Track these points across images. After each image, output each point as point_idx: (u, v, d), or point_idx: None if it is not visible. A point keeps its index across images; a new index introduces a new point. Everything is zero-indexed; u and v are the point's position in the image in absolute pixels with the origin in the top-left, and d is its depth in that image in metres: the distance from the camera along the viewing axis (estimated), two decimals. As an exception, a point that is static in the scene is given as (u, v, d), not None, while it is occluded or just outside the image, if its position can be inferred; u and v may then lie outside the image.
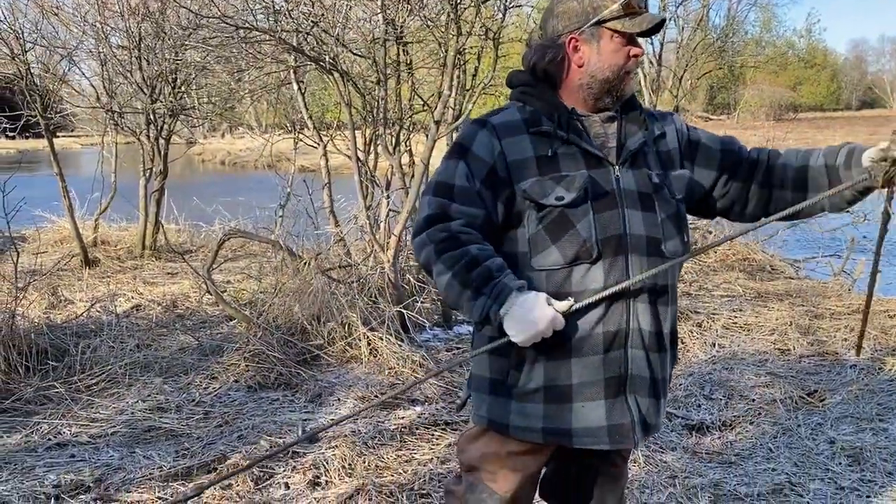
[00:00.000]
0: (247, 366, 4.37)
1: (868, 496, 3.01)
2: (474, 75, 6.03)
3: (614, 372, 1.74)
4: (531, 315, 1.62)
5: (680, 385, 4.23)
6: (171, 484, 3.13)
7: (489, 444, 1.88)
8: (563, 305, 1.67)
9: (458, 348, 5.00)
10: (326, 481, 3.18)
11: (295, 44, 5.07)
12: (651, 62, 8.08)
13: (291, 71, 5.65)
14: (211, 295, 5.08)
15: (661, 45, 7.63)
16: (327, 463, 3.28)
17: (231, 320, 5.20)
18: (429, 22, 5.32)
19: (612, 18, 1.74)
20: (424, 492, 3.09)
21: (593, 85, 1.78)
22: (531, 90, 1.83)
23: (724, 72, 25.36)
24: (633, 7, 1.75)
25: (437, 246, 1.69)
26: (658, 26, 1.80)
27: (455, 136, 6.53)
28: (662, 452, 3.41)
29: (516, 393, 1.79)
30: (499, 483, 1.88)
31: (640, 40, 1.83)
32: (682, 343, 4.90)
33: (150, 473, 3.20)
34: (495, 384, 1.82)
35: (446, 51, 4.96)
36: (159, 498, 2.99)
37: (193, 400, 4.06)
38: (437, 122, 4.85)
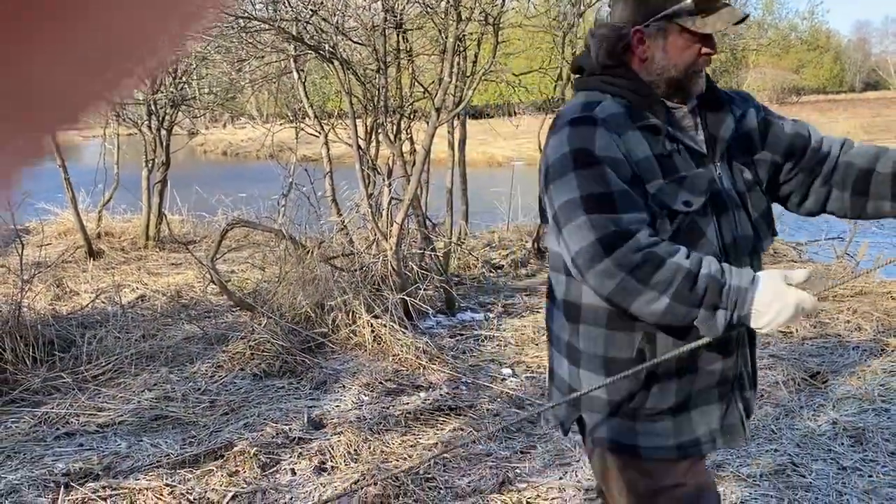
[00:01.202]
0: (252, 354, 4.40)
1: (870, 476, 3.03)
2: (475, 62, 6.03)
3: (728, 374, 1.68)
4: (776, 304, 1.48)
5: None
6: (178, 471, 3.16)
7: (632, 476, 1.71)
8: (800, 275, 1.52)
9: (461, 335, 5.03)
10: (332, 467, 3.21)
11: (294, 33, 5.07)
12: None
13: (291, 60, 5.65)
14: (215, 285, 5.11)
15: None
16: (333, 449, 3.31)
17: (235, 309, 5.23)
18: (428, 8, 5.31)
19: (682, 14, 1.57)
20: (430, 476, 3.12)
21: (659, 83, 1.63)
22: (618, 80, 1.63)
23: (727, 55, 25.24)
24: (708, 2, 1.57)
25: (636, 272, 1.47)
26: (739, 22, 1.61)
27: (456, 124, 6.55)
28: (665, 435, 3.43)
29: (643, 414, 1.65)
30: (687, 487, 1.71)
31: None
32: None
33: (157, 461, 3.23)
34: (616, 406, 1.66)
35: (446, 37, 4.95)
36: (167, 485, 3.03)
37: (199, 388, 4.09)
38: (438, 110, 4.86)
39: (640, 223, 1.51)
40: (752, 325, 1.50)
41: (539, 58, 7.86)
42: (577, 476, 3.11)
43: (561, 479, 3.09)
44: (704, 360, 1.63)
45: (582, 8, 6.91)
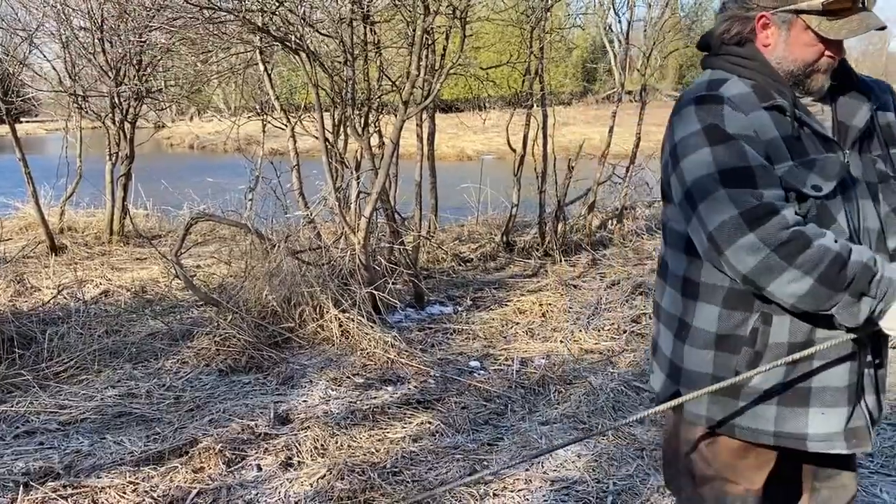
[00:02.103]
0: (217, 350, 4.36)
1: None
2: (443, 55, 6.02)
3: (854, 376, 1.61)
4: None
5: (648, 359, 4.30)
6: (142, 469, 3.12)
7: (718, 448, 1.73)
8: None
9: (430, 328, 5.02)
10: (299, 462, 3.19)
11: (260, 24, 5.00)
12: (619, 41, 8.11)
13: (257, 52, 5.58)
14: (180, 280, 5.04)
15: (629, 23, 7.65)
16: (299, 444, 3.29)
17: (201, 305, 5.16)
18: (396, 1, 5.28)
19: (810, 12, 1.51)
20: (397, 469, 3.12)
21: (778, 71, 1.58)
22: (746, 61, 1.60)
23: (693, 50, 25.49)
24: (843, 4, 1.48)
25: (781, 249, 1.43)
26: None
27: (425, 117, 6.53)
28: (631, 425, 3.47)
29: (745, 392, 1.63)
30: (744, 485, 1.74)
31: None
32: (651, 319, 4.97)
33: (120, 459, 3.18)
34: (719, 382, 1.63)
35: (414, 30, 4.93)
36: (130, 483, 2.98)
37: (164, 385, 4.04)
38: (406, 103, 4.84)
39: (782, 200, 1.48)
40: (883, 324, 1.46)
41: (508, 52, 7.87)
42: (543, 468, 3.13)
43: (527, 470, 3.11)
44: (824, 353, 1.59)
45: (549, 2, 6.93)
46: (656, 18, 8.11)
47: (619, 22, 8.67)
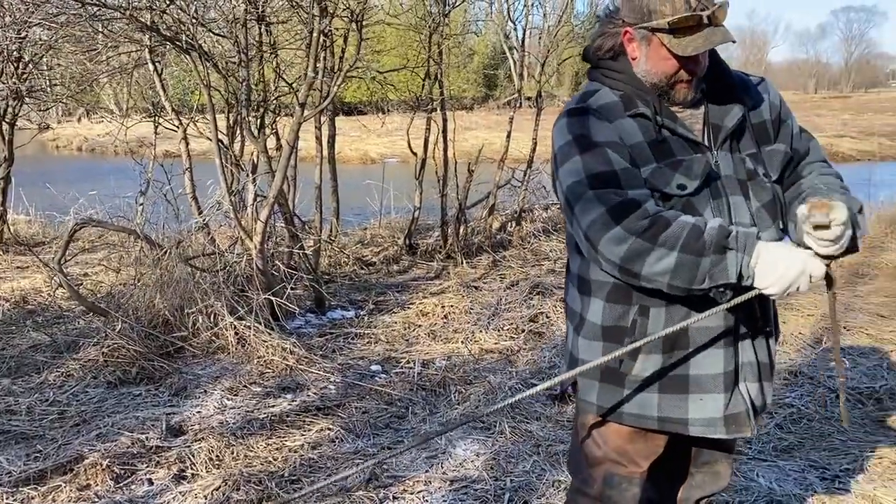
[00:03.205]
0: (105, 361, 4.17)
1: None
2: (342, 57, 5.98)
3: (730, 364, 1.70)
4: (785, 259, 1.49)
5: (544, 357, 4.41)
6: (21, 489, 2.94)
7: (607, 434, 1.83)
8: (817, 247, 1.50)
9: (331, 334, 4.97)
10: (193, 474, 3.09)
11: (149, 22, 4.83)
12: (515, 48, 8.28)
13: (147, 51, 5.37)
14: (64, 289, 4.79)
15: (524, 30, 7.83)
16: (193, 456, 3.19)
17: (88, 314, 4.92)
18: (293, 2, 5.21)
19: (661, 30, 1.60)
20: (295, 477, 3.07)
21: (645, 83, 1.69)
22: (615, 73, 1.72)
23: (589, 58, 26.24)
24: (687, 22, 1.57)
25: (644, 234, 1.53)
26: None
27: (324, 120, 6.45)
28: (527, 422, 3.55)
29: (630, 381, 1.73)
30: (631, 467, 1.84)
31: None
32: (547, 318, 5.11)
33: (-4, 480, 3.00)
34: (607, 371, 1.76)
35: (311, 32, 4.87)
36: (7, 505, 2.81)
37: (47, 400, 3.83)
38: (302, 105, 4.77)
39: (645, 196, 1.59)
40: (759, 283, 1.51)
41: (409, 56, 7.90)
42: (442, 468, 3.15)
43: (427, 471, 3.12)
44: (699, 342, 1.69)
45: (447, 8, 7.00)
46: (552, 27, 8.34)
47: (515, 30, 8.86)
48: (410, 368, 4.31)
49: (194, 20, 4.80)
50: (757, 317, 1.73)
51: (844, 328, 4.92)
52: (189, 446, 3.29)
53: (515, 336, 4.85)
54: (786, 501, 2.87)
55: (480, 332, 4.89)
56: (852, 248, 1.53)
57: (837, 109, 35.81)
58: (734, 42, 1.63)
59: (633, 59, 1.69)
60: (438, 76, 7.08)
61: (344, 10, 5.06)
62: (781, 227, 1.73)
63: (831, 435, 3.42)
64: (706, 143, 1.69)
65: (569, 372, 1.76)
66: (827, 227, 1.45)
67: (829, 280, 1.55)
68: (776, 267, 1.49)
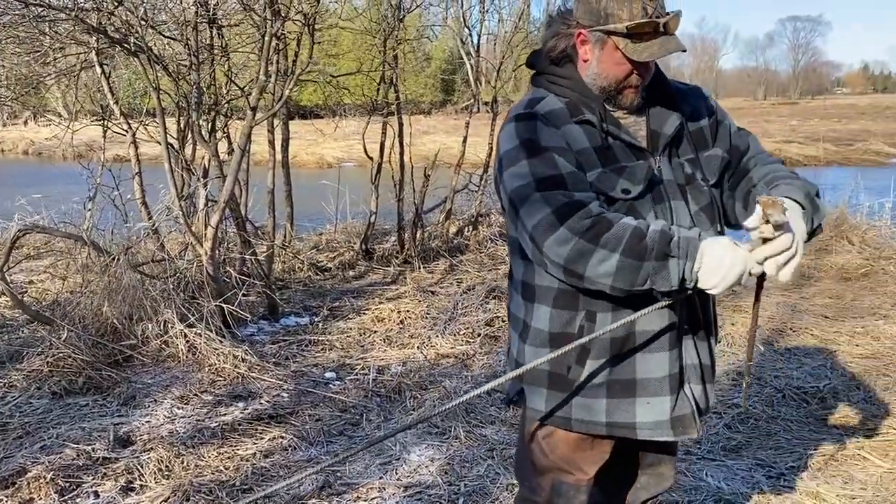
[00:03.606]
0: (50, 371, 4.05)
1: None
2: (295, 61, 5.93)
3: (675, 366, 1.73)
4: (727, 259, 1.50)
5: (500, 361, 4.43)
6: (-42, 506, 2.84)
7: (555, 441, 1.84)
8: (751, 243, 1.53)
9: (284, 340, 4.92)
10: (141, 485, 3.02)
11: (96, 24, 4.72)
12: (471, 54, 8.32)
13: (94, 53, 5.25)
14: (7, 297, 4.65)
15: (479, 36, 7.88)
16: (142, 467, 3.12)
17: (32, 323, 4.78)
18: (245, 5, 5.15)
19: (617, 34, 1.62)
20: (247, 486, 3.03)
21: (593, 87, 1.71)
22: (561, 80, 1.73)
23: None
24: (644, 28, 1.59)
25: (586, 234, 1.54)
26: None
27: (278, 123, 6.38)
28: (482, 426, 3.56)
29: (577, 387, 1.74)
30: (578, 475, 1.85)
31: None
32: (503, 322, 5.12)
33: (-68, 496, 2.89)
34: (554, 378, 1.76)
35: (263, 35, 4.82)
36: (-57, 522, 2.71)
37: (-13, 412, 3.70)
38: (254, 109, 4.72)
39: (590, 198, 1.60)
40: (703, 285, 1.52)
41: (363, 60, 7.86)
42: (396, 474, 3.14)
43: (381, 478, 3.11)
44: (643, 346, 1.70)
45: (401, 13, 7.00)
46: (507, 32, 8.39)
47: (471, 35, 8.91)
48: (365, 375, 4.28)
49: (143, 22, 4.71)
50: (699, 319, 1.76)
51: (791, 329, 5.04)
52: (137, 457, 3.22)
53: (471, 340, 4.85)
54: (734, 500, 2.93)
55: (436, 337, 4.89)
56: (817, 230, 1.67)
57: (786, 115, 36.89)
58: (685, 51, 1.66)
59: (585, 62, 1.70)
60: (394, 80, 7.07)
61: (297, 13, 5.01)
62: (719, 229, 1.76)
63: (777, 434, 3.50)
64: (648, 149, 1.72)
65: (516, 370, 1.74)
66: (776, 238, 1.49)
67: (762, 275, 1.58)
68: (720, 268, 1.50)
